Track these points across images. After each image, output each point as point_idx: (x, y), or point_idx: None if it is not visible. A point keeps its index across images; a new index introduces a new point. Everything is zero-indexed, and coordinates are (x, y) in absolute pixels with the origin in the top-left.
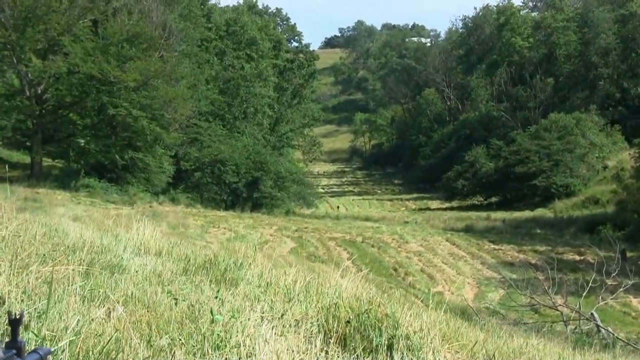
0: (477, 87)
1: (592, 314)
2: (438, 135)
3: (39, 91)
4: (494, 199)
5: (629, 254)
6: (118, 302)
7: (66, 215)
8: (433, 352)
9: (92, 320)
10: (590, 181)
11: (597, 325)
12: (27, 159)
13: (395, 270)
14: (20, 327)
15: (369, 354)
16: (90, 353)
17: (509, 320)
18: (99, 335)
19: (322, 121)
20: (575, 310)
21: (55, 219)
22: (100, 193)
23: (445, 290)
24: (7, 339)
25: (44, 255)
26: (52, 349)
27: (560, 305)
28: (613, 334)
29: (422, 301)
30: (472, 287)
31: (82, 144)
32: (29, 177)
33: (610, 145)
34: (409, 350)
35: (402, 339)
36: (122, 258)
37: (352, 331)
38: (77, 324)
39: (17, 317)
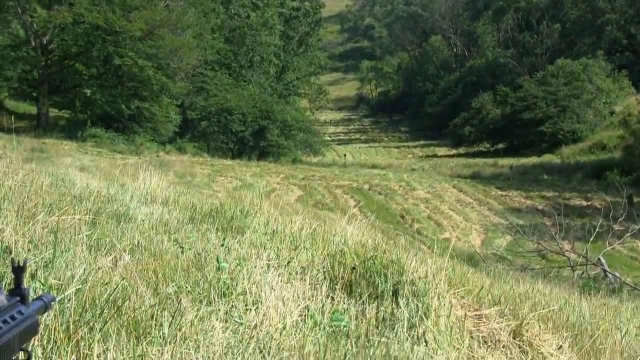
0: (484, 33)
1: (599, 259)
2: (444, 82)
3: (45, 42)
4: (500, 146)
5: (636, 199)
6: (125, 251)
7: (73, 166)
8: (438, 298)
9: (99, 269)
10: (597, 127)
11: (604, 270)
12: (33, 110)
13: (402, 217)
14: (25, 275)
15: (374, 300)
16: (97, 301)
17: (516, 266)
18: (106, 283)
19: (329, 69)
20: (582, 256)
21: (62, 169)
22: (107, 143)
23: (453, 236)
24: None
25: (51, 205)
26: (57, 297)
27: (567, 250)
28: (620, 279)
29: (428, 247)
30: (479, 234)
31: (89, 94)
32: (36, 128)
33: (617, 91)
34: (414, 295)
35: (407, 285)
36: (128, 207)
37: (357, 277)
38: (84, 273)
39: (21, 264)
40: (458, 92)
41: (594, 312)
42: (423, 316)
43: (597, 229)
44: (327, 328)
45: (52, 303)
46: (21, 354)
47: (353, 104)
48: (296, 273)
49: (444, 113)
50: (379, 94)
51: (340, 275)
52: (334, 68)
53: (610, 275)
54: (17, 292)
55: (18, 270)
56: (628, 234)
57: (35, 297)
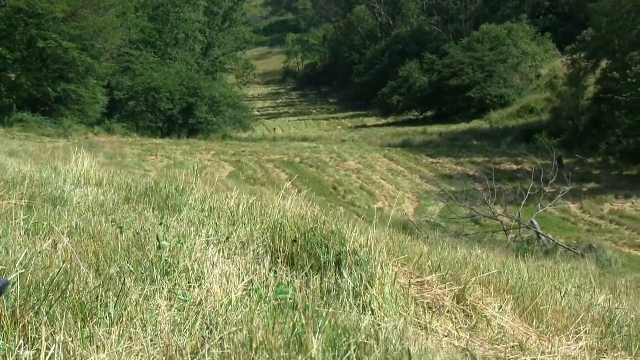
0: (408, 1)
1: (532, 222)
2: (371, 52)
3: None
4: (429, 113)
5: (565, 161)
6: (63, 234)
7: (2, 151)
8: (381, 266)
9: (39, 253)
10: (524, 91)
11: (538, 233)
12: None
13: (335, 189)
14: None
15: (317, 272)
16: (41, 285)
17: (451, 232)
18: (47, 267)
19: (254, 44)
20: (515, 219)
21: None
22: (34, 127)
23: (386, 206)
24: None
25: None
26: (9, 280)
27: (500, 215)
28: (553, 240)
29: (363, 218)
30: (412, 202)
31: (13, 79)
32: None
33: (543, 54)
34: (357, 265)
35: (349, 255)
36: (63, 190)
37: (299, 250)
38: (25, 257)
39: None
40: (385, 61)
41: (532, 274)
42: (367, 285)
43: (528, 192)
44: (273, 301)
45: (6, 287)
46: None
47: (280, 78)
48: (236, 248)
49: (371, 83)
50: (306, 66)
51: (281, 249)
52: (260, 42)
53: (543, 237)
54: None
55: None
56: (559, 196)
57: None
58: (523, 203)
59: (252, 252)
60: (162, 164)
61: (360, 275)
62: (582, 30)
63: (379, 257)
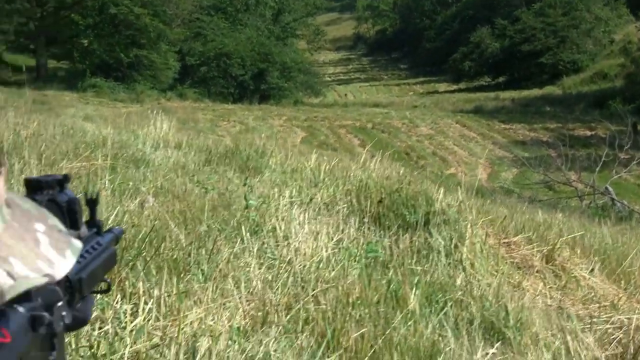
0: None
1: (606, 188)
2: (442, 17)
3: None
4: (501, 79)
5: (639, 127)
6: (149, 194)
7: (77, 116)
8: (471, 226)
9: (127, 212)
10: (598, 56)
11: (612, 199)
12: (32, 62)
13: (407, 154)
14: (97, 207)
15: (405, 231)
16: (134, 242)
17: (524, 198)
18: (137, 225)
19: (324, 9)
20: (589, 185)
21: (67, 119)
22: (107, 92)
23: (458, 172)
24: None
25: (67, 152)
26: (123, 229)
27: (574, 181)
28: (628, 207)
29: (437, 184)
30: (485, 168)
31: (86, 44)
32: (35, 80)
33: (616, 19)
34: (446, 224)
35: (437, 214)
36: (144, 152)
37: (384, 210)
38: (116, 216)
39: (94, 197)
40: (455, 27)
41: (615, 237)
42: (458, 244)
43: (602, 159)
44: (363, 260)
45: (121, 235)
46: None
47: (351, 44)
48: (319, 209)
49: (442, 49)
50: (376, 32)
51: (367, 209)
52: (330, 8)
53: (618, 204)
54: (93, 224)
55: (92, 203)
56: (634, 162)
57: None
58: (597, 169)
59: (336, 213)
60: (235, 129)
61: (450, 234)
62: None
63: (468, 216)
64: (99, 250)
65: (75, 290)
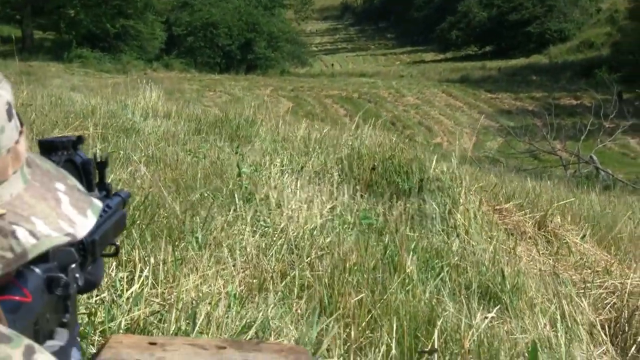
0: None
1: (591, 156)
2: None
3: None
4: (488, 48)
5: (625, 96)
6: (140, 163)
7: (63, 87)
8: (465, 192)
9: (120, 180)
10: (584, 25)
11: (597, 168)
12: (18, 33)
13: (393, 124)
14: (107, 170)
15: (398, 198)
16: (129, 211)
17: (509, 167)
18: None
19: None
20: (574, 154)
21: (54, 90)
22: (93, 63)
23: (444, 141)
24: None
25: (57, 122)
26: (129, 192)
27: (559, 150)
28: (612, 175)
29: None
30: (470, 137)
31: (73, 15)
32: (21, 51)
33: None
34: (439, 190)
35: (431, 181)
36: (133, 122)
37: (377, 177)
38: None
39: (103, 160)
40: None
41: (602, 205)
42: (453, 210)
43: (588, 127)
44: (358, 226)
45: (128, 198)
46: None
47: (338, 13)
48: (311, 177)
49: (429, 18)
50: (364, 1)
51: (360, 176)
52: None
53: (602, 173)
54: (102, 186)
55: (101, 166)
56: (619, 131)
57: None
58: (582, 138)
59: (328, 181)
60: (221, 100)
61: (444, 200)
62: None
63: (462, 182)
64: (109, 213)
65: (88, 252)
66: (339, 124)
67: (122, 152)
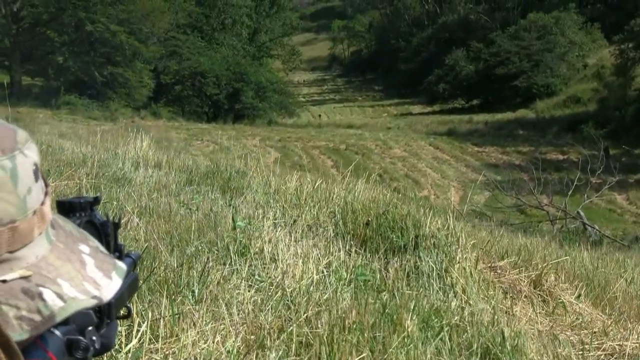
0: None
1: (578, 212)
2: (417, 39)
3: (15, 9)
4: (475, 102)
5: (612, 151)
6: (133, 213)
7: (51, 133)
8: (461, 249)
9: None
10: (571, 80)
11: (584, 224)
12: (6, 79)
13: (381, 176)
14: (119, 231)
15: (393, 254)
16: None
17: (497, 221)
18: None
19: (301, 30)
20: (561, 210)
21: (43, 136)
22: (81, 110)
23: (431, 194)
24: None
25: (49, 170)
26: (140, 254)
27: (546, 204)
28: (600, 232)
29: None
30: (457, 190)
31: (61, 61)
32: (9, 97)
33: (590, 43)
34: (435, 247)
35: (427, 238)
36: (124, 171)
37: (371, 233)
38: None
39: (117, 220)
40: (431, 49)
41: (595, 262)
42: (449, 268)
43: (574, 183)
44: (354, 282)
45: (139, 259)
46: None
47: (326, 64)
48: (303, 231)
49: (417, 70)
50: (352, 53)
51: (353, 232)
52: (306, 28)
53: (589, 228)
54: (115, 247)
55: (115, 226)
56: (606, 187)
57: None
58: (569, 193)
59: (322, 235)
60: (209, 149)
61: (441, 258)
62: (630, 20)
63: (458, 240)
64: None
65: (104, 314)
66: (327, 175)
67: (115, 203)
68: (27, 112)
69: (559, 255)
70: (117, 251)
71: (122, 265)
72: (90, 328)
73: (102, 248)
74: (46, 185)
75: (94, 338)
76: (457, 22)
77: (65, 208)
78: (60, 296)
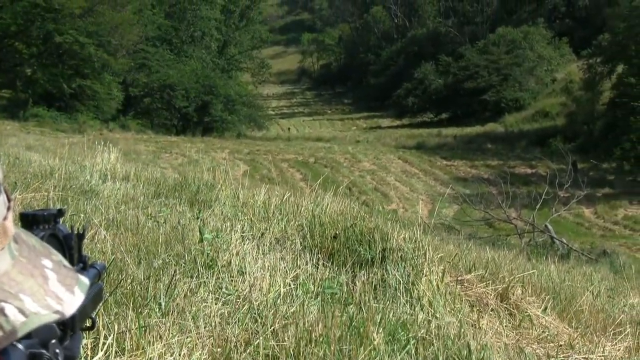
0: (424, 3)
1: (546, 225)
2: (386, 53)
3: None
4: (444, 115)
5: (580, 165)
6: (101, 226)
7: (19, 145)
8: (428, 263)
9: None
10: (540, 94)
11: (552, 237)
12: None
13: (349, 189)
14: (83, 242)
15: (360, 267)
16: None
17: (465, 235)
18: (90, 259)
19: (270, 43)
20: (529, 223)
21: (10, 149)
22: (49, 122)
23: (400, 207)
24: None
25: (16, 183)
26: (106, 265)
27: (514, 218)
28: (567, 245)
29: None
30: (425, 204)
31: (29, 74)
32: None
33: (559, 58)
34: (402, 260)
35: (394, 251)
36: (92, 184)
37: (339, 246)
38: None
39: (81, 231)
40: (400, 62)
41: (562, 276)
42: (416, 281)
43: (543, 196)
44: (321, 295)
45: (104, 270)
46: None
47: (295, 78)
48: (271, 244)
49: (386, 84)
50: (321, 66)
51: (321, 245)
52: (275, 41)
53: (557, 242)
54: (79, 259)
55: (79, 237)
56: (574, 201)
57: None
58: (537, 207)
59: (290, 248)
60: (177, 162)
61: (407, 271)
62: (598, 35)
63: (425, 253)
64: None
65: (68, 327)
66: (296, 188)
67: (82, 215)
68: None
69: (526, 268)
70: (80, 262)
71: (84, 280)
72: (53, 341)
73: (66, 262)
74: (9, 199)
75: (57, 351)
76: (426, 36)
77: (29, 221)
78: (22, 311)
